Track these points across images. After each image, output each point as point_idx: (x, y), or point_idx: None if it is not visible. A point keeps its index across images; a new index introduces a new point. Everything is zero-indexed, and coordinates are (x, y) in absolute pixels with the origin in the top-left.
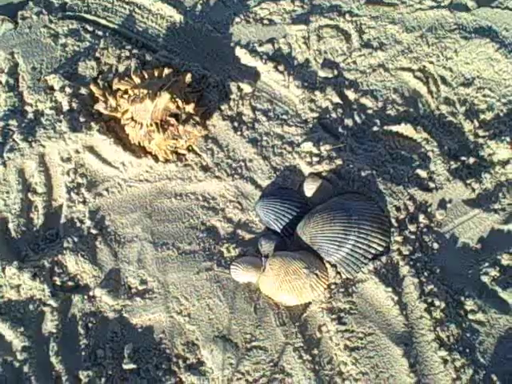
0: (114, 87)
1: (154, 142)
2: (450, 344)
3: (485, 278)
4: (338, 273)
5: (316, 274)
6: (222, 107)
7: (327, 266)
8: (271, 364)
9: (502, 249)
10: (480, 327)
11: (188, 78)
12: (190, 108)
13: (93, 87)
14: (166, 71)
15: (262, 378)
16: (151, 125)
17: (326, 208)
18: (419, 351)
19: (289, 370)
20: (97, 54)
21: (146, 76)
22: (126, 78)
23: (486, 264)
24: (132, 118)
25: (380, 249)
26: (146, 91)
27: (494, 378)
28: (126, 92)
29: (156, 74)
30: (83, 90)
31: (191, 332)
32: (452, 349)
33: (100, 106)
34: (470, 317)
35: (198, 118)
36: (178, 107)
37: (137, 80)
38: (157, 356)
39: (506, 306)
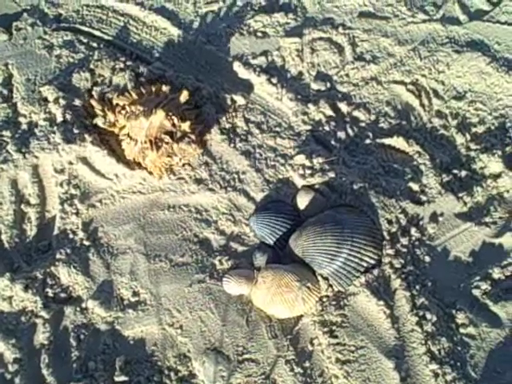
0: (114, 102)
1: (148, 158)
2: (441, 357)
3: (476, 292)
4: (330, 286)
5: (308, 287)
6: (216, 120)
7: (319, 278)
8: (263, 376)
9: (494, 262)
10: (471, 341)
11: (184, 95)
12: (185, 126)
13: (93, 102)
14: (164, 88)
15: None
16: (145, 142)
17: (319, 221)
18: (410, 365)
19: (280, 383)
20: (91, 66)
21: (144, 92)
22: (126, 94)
23: (478, 277)
24: (128, 134)
25: (372, 262)
26: (141, 108)
27: None
28: (124, 107)
29: (153, 90)
30: (77, 102)
31: (183, 344)
32: (443, 362)
33: (99, 121)
34: (461, 330)
35: (193, 136)
36: (173, 125)
37: (134, 96)
38: (148, 368)
39: (496, 320)
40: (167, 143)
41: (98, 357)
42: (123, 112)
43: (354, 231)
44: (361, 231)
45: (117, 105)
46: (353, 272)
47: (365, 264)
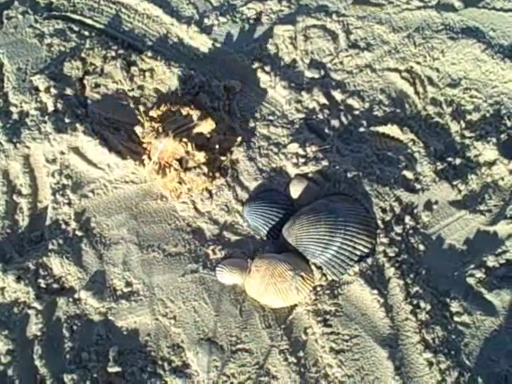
0: (150, 114)
1: (157, 181)
2: (436, 346)
3: (470, 280)
4: (324, 275)
5: (301, 276)
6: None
7: (313, 268)
8: (257, 366)
9: (488, 250)
10: (465, 329)
11: (209, 125)
12: (200, 156)
13: (154, 112)
14: (192, 112)
15: (248, 381)
16: (155, 164)
17: (312, 210)
18: (404, 353)
19: (274, 373)
20: (82, 55)
21: (174, 109)
22: (162, 107)
23: (472, 266)
24: (148, 151)
25: (366, 250)
26: (163, 128)
27: (479, 380)
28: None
29: (184, 112)
30: (69, 91)
31: (176, 334)
32: (437, 351)
33: (138, 129)
34: (456, 319)
35: (205, 168)
36: (187, 152)
37: (164, 112)
38: (142, 359)
39: (491, 308)
40: (176, 170)
41: (91, 347)
42: (153, 126)
43: (348, 220)
44: (354, 220)
45: (152, 117)
46: (346, 261)
47: (358, 253)
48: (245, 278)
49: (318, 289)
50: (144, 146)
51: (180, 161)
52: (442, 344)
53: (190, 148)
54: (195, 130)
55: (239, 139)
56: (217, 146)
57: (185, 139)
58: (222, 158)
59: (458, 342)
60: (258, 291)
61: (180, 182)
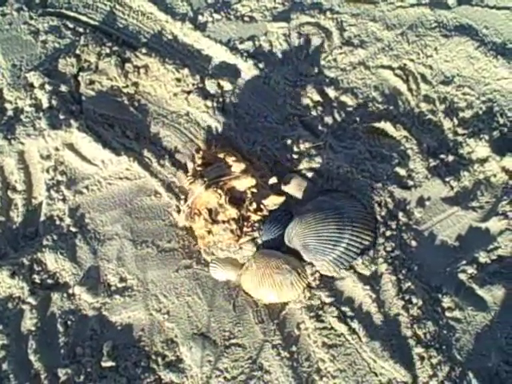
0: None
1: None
2: (427, 341)
3: (462, 276)
4: (317, 271)
5: (297, 273)
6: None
7: (319, 265)
8: (250, 361)
9: (480, 246)
10: (457, 324)
11: (249, 182)
12: (232, 212)
13: (198, 156)
14: (236, 164)
15: (241, 375)
16: (188, 208)
17: (317, 208)
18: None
19: (267, 367)
20: (77, 51)
21: (221, 155)
22: (216, 150)
23: (464, 262)
24: (186, 194)
25: (368, 244)
26: (200, 175)
27: (470, 374)
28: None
29: (229, 161)
30: (63, 88)
31: (170, 329)
32: (429, 346)
33: (189, 165)
34: (447, 314)
35: (235, 225)
36: (220, 205)
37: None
38: (136, 354)
39: (482, 304)
40: (205, 220)
41: (85, 342)
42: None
43: (353, 216)
44: (358, 215)
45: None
46: (353, 257)
47: (362, 247)
48: (238, 273)
49: (312, 284)
50: (186, 186)
51: (210, 211)
52: (434, 339)
53: (224, 201)
54: (233, 183)
55: (281, 199)
56: (254, 205)
57: (220, 191)
58: (255, 218)
59: (450, 337)
60: (252, 282)
61: (208, 232)
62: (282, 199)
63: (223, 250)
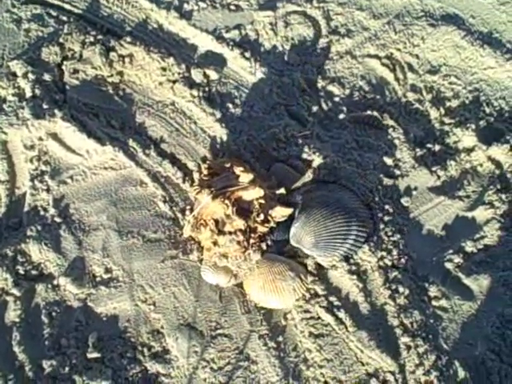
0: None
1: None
2: (414, 330)
3: (449, 265)
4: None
5: (300, 278)
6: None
7: (327, 261)
8: (236, 351)
9: (466, 236)
10: (443, 313)
11: (257, 193)
12: (239, 223)
13: (204, 166)
14: (244, 175)
15: (228, 366)
16: (194, 218)
17: (320, 203)
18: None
19: (254, 358)
20: (61, 40)
21: (228, 165)
22: (223, 160)
23: (450, 251)
24: (192, 205)
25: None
26: (207, 185)
27: (457, 363)
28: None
29: (237, 171)
30: (47, 77)
31: (156, 320)
32: (415, 335)
33: (195, 176)
34: (434, 303)
35: (241, 237)
36: (226, 215)
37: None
38: (122, 345)
39: (468, 293)
40: (211, 230)
41: (70, 334)
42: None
43: (355, 207)
44: (359, 206)
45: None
46: (360, 246)
47: (366, 235)
48: (229, 279)
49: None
50: (192, 195)
51: (217, 222)
52: (420, 328)
53: (231, 212)
54: (241, 194)
55: (289, 211)
56: (261, 216)
57: (227, 201)
58: (262, 229)
59: (436, 326)
60: (255, 288)
61: (214, 243)
62: (289, 211)
63: (227, 260)
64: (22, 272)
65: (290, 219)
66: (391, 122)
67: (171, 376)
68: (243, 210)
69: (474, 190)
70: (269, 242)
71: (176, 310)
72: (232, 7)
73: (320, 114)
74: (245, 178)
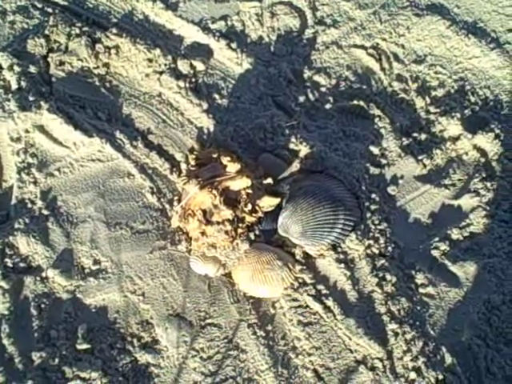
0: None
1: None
2: (401, 317)
3: (435, 253)
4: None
5: (288, 268)
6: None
7: (315, 250)
8: (226, 341)
9: (452, 223)
10: (430, 300)
11: (244, 183)
12: (227, 213)
13: (191, 157)
14: (231, 165)
15: (217, 355)
16: (181, 208)
17: (307, 193)
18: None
19: (243, 347)
20: (46, 32)
21: (215, 155)
22: (210, 150)
23: (437, 238)
24: (180, 195)
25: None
26: (195, 175)
27: (444, 349)
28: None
29: (224, 161)
30: (32, 69)
31: (145, 311)
32: (403, 322)
33: (183, 166)
34: (421, 290)
35: (229, 226)
36: (214, 205)
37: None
38: (111, 336)
39: (455, 280)
40: (199, 221)
41: (59, 325)
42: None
43: (342, 196)
44: (346, 195)
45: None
46: (347, 235)
47: (353, 224)
48: (218, 269)
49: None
50: (180, 186)
51: (205, 212)
52: (408, 315)
53: (218, 202)
54: (228, 184)
55: (277, 201)
56: (249, 206)
57: (214, 191)
58: (250, 219)
59: (423, 312)
60: (243, 277)
61: (202, 234)
62: (277, 201)
63: (216, 250)
64: (10, 265)
65: (278, 209)
66: (377, 112)
67: (161, 366)
68: (231, 199)
69: (460, 179)
70: (257, 232)
71: (165, 301)
72: None
73: (307, 104)
74: (232, 168)
